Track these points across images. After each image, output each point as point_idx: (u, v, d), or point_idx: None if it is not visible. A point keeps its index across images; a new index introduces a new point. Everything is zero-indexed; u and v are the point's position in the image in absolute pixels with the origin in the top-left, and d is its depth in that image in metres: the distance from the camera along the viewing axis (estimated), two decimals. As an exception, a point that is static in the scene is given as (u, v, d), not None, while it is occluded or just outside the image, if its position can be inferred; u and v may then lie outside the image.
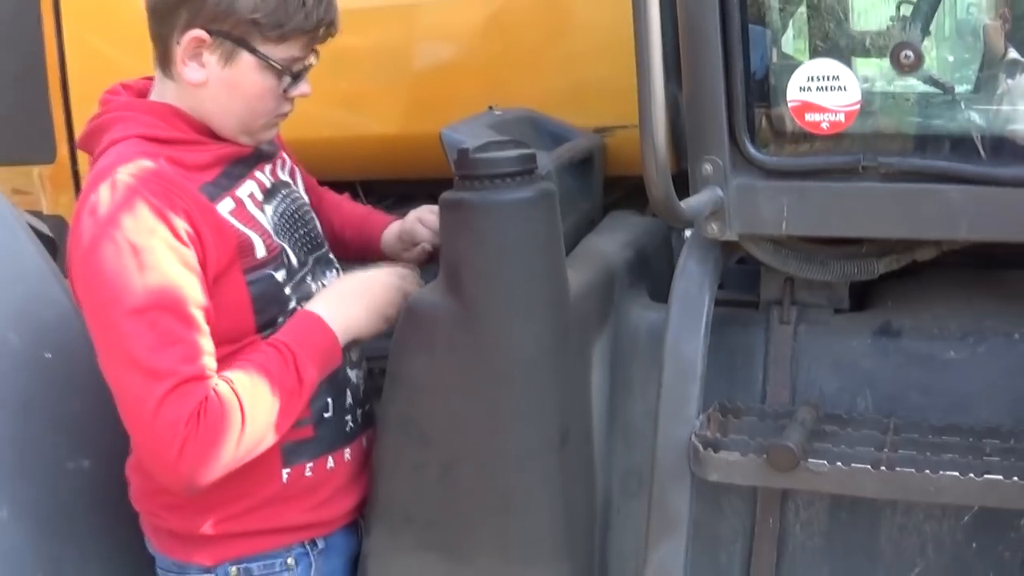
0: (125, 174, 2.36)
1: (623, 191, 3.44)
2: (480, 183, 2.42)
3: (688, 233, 2.80)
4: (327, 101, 3.50)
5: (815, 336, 2.76)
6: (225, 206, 2.49)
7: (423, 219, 2.95)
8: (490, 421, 2.51)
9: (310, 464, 2.58)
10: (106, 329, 2.34)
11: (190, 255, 2.35)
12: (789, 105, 2.49)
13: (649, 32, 2.15)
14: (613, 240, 3.07)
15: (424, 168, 3.32)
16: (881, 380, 2.67)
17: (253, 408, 2.35)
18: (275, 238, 2.56)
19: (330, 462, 2.61)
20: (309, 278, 2.65)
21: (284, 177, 2.75)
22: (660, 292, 2.89)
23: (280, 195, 2.66)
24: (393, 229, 3.02)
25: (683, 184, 2.47)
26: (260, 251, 2.49)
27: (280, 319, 2.53)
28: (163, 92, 2.55)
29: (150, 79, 2.60)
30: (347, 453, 2.65)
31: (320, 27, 2.49)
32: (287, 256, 2.58)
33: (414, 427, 2.57)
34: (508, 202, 2.43)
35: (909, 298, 2.82)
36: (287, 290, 2.55)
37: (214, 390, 2.32)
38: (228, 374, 2.36)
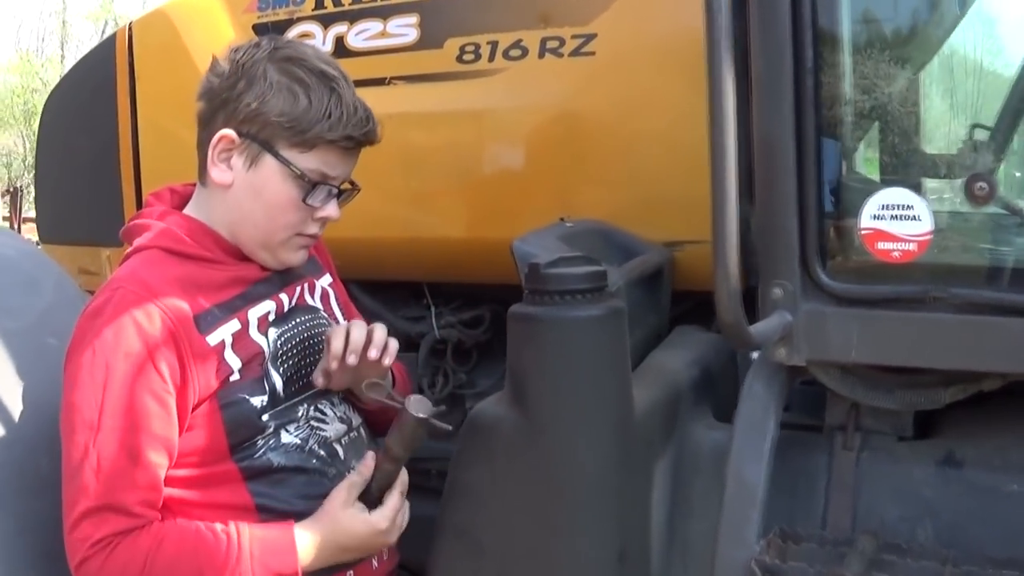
0: (128, 292, 2.39)
1: (690, 305, 3.41)
2: (550, 298, 2.42)
3: (755, 355, 2.77)
4: (399, 201, 3.59)
5: (878, 463, 2.69)
6: (226, 330, 2.46)
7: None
8: (546, 536, 2.48)
9: None
10: (65, 430, 2.37)
11: (162, 387, 2.35)
12: (861, 233, 2.45)
13: (726, 173, 2.15)
14: (679, 357, 3.04)
15: (491, 273, 3.34)
16: (942, 510, 2.60)
17: (157, 567, 2.34)
18: (267, 363, 2.51)
19: None
20: (303, 407, 2.57)
21: (312, 302, 2.69)
22: (724, 410, 2.87)
23: (294, 321, 2.60)
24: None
25: (749, 299, 2.45)
26: (235, 376, 2.45)
27: (258, 442, 2.47)
28: (199, 203, 2.57)
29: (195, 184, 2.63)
30: None
31: (346, 141, 2.48)
32: (271, 383, 2.50)
33: (469, 536, 2.56)
34: (577, 319, 2.42)
35: (973, 428, 2.74)
36: (264, 416, 2.48)
37: (134, 528, 2.33)
38: (166, 526, 2.37)
